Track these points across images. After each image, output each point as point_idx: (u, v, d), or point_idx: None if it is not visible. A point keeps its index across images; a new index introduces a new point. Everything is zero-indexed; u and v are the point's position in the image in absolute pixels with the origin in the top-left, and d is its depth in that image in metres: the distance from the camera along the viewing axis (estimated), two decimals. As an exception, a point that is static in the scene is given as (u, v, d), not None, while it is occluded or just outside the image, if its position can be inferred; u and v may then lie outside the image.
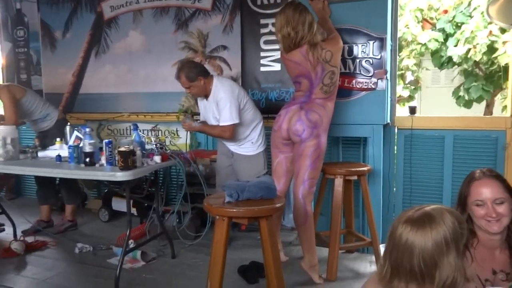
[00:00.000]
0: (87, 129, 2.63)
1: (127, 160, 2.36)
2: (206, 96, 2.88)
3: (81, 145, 2.65)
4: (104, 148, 2.52)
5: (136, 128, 2.84)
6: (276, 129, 2.53)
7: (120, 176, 2.36)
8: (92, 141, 2.56)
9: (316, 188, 2.57)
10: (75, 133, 2.84)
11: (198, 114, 3.70)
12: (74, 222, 3.51)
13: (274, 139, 2.58)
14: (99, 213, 3.77)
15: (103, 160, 2.54)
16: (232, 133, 2.81)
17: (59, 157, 2.73)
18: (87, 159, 2.54)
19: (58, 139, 2.98)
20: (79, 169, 2.55)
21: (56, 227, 3.43)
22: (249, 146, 2.91)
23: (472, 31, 4.34)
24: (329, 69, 2.40)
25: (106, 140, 2.51)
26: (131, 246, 2.70)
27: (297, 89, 2.53)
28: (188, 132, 3.82)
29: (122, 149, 2.38)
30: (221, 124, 2.81)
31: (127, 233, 2.50)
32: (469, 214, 1.41)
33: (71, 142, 2.77)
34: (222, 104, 2.77)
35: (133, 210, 3.50)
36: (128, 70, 4.03)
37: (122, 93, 4.08)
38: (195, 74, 2.79)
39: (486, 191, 1.37)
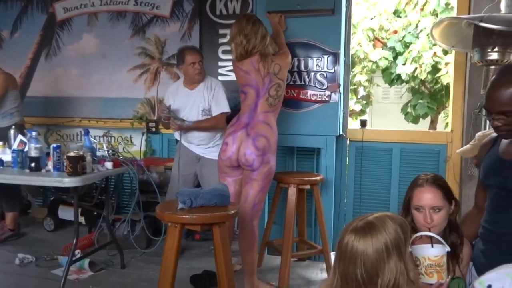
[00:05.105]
0: (33, 133, 2.51)
1: (76, 165, 2.28)
2: (194, 84, 2.91)
3: (26, 149, 2.52)
4: (51, 153, 2.41)
5: (87, 133, 2.75)
6: (224, 159, 2.45)
7: (68, 182, 2.27)
8: (38, 145, 2.44)
9: (268, 197, 2.59)
10: (20, 137, 2.70)
11: (153, 121, 3.66)
12: (15, 231, 3.31)
13: (222, 167, 2.49)
14: (44, 222, 3.56)
15: (50, 166, 2.43)
16: (224, 123, 2.84)
17: (1, 162, 2.57)
18: (32, 164, 2.42)
19: (0, 143, 2.81)
20: (23, 174, 2.42)
21: (-6, 237, 3.22)
22: (219, 150, 2.90)
23: (418, 51, 4.63)
24: (276, 81, 2.43)
25: (54, 145, 2.40)
26: (78, 256, 2.58)
27: (242, 100, 2.49)
28: (143, 139, 3.74)
29: (71, 154, 2.29)
30: (219, 112, 2.86)
31: (74, 241, 2.40)
32: (406, 217, 1.51)
33: (15, 146, 2.63)
34: (220, 92, 2.87)
35: (81, 219, 3.36)
36: (81, 74, 3.90)
37: (73, 97, 3.94)
38: None
39: (425, 198, 1.46)
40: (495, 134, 1.55)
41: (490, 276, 1.12)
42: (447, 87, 4.45)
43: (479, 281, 1.13)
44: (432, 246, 1.37)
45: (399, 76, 4.94)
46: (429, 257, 1.34)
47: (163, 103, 2.98)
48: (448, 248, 1.36)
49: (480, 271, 1.44)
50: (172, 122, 2.82)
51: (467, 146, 2.22)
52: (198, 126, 2.89)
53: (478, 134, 2.18)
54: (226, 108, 2.88)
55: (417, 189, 1.49)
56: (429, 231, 1.43)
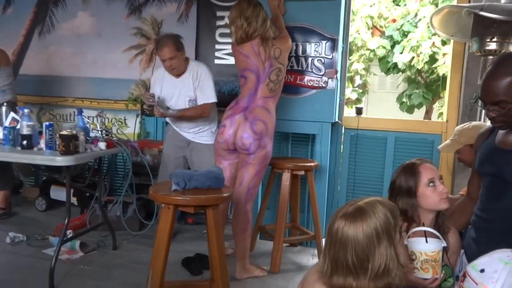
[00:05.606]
0: (25, 110, 2.47)
1: (69, 144, 2.24)
2: (179, 73, 2.78)
3: (18, 127, 2.48)
4: (44, 131, 2.38)
5: (80, 112, 2.71)
6: (221, 142, 2.45)
7: (61, 160, 2.24)
8: (30, 123, 2.40)
9: (262, 182, 2.58)
10: (11, 114, 2.66)
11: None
12: (6, 210, 3.29)
13: (218, 149, 2.50)
14: (36, 202, 3.54)
15: (42, 144, 2.40)
16: (210, 112, 2.79)
17: (-8, 139, 2.53)
18: (24, 142, 2.38)
19: (-10, 121, 2.77)
20: (15, 152, 2.38)
21: (-15, 215, 3.20)
22: (209, 135, 2.87)
23: (417, 40, 4.61)
24: (276, 66, 2.41)
25: (46, 123, 2.37)
26: (69, 236, 2.57)
27: (242, 84, 2.47)
28: (137, 121, 3.71)
29: (64, 132, 2.26)
30: (204, 101, 2.74)
31: (66, 221, 2.38)
32: (412, 204, 1.50)
33: (6, 124, 2.59)
34: (206, 80, 2.73)
35: (73, 200, 3.35)
36: (75, 53, 3.84)
37: (67, 77, 3.88)
38: (182, 45, 2.73)
39: (434, 170, 1.53)
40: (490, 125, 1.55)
41: (483, 261, 1.13)
42: (443, 77, 4.45)
43: (472, 265, 1.14)
44: (426, 241, 1.35)
45: (395, 65, 4.93)
46: (426, 252, 1.33)
47: (149, 91, 2.90)
48: (444, 244, 1.36)
49: (471, 259, 1.45)
50: (155, 109, 2.74)
51: (447, 141, 2.15)
52: (182, 115, 2.80)
53: (457, 128, 2.13)
54: (211, 98, 2.75)
55: (422, 165, 1.52)
56: (445, 205, 1.47)
